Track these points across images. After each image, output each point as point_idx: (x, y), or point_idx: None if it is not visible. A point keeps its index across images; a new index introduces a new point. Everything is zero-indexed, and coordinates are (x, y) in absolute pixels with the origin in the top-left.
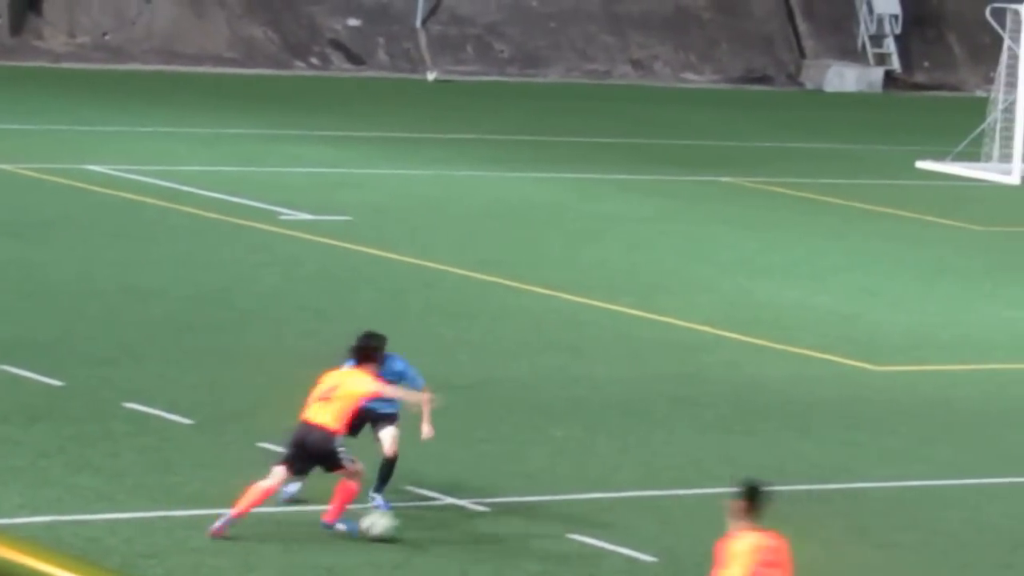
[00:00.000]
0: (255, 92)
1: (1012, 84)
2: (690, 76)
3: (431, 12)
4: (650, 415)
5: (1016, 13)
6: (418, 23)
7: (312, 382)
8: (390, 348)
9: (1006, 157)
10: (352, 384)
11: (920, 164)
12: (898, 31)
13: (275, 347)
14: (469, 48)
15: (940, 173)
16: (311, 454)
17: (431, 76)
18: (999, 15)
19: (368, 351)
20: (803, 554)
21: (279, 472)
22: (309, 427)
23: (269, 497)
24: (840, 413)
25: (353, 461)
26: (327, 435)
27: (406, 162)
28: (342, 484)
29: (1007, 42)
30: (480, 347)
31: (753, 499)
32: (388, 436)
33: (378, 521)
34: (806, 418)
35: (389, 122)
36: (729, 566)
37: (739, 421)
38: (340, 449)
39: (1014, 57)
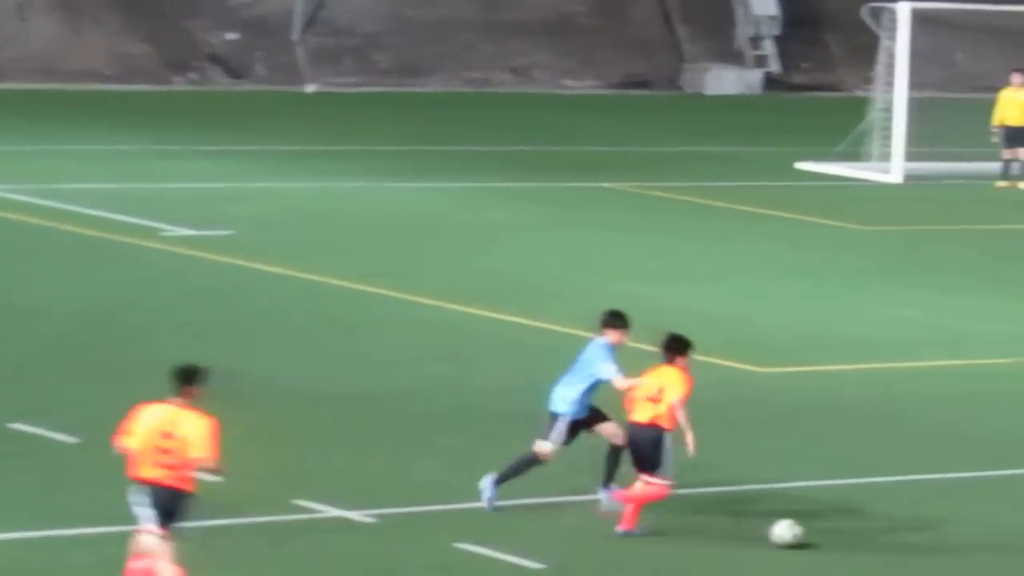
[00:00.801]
0: (134, 108)
1: (891, 83)
2: (570, 82)
3: (309, 24)
4: (537, 423)
5: (892, 12)
6: (296, 35)
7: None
8: None
9: (886, 156)
10: (671, 391)
11: (800, 165)
12: (776, 33)
13: (160, 364)
14: (348, 59)
15: (821, 174)
16: (641, 452)
17: (310, 88)
18: (876, 14)
19: (673, 350)
20: (691, 555)
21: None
22: (638, 427)
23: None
24: (726, 415)
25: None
26: (658, 433)
27: (287, 175)
28: (643, 491)
29: (884, 41)
30: (366, 358)
31: (185, 380)
32: (612, 427)
33: (792, 529)
34: (693, 421)
35: (269, 135)
36: (130, 432)
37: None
38: (667, 450)
39: (892, 56)
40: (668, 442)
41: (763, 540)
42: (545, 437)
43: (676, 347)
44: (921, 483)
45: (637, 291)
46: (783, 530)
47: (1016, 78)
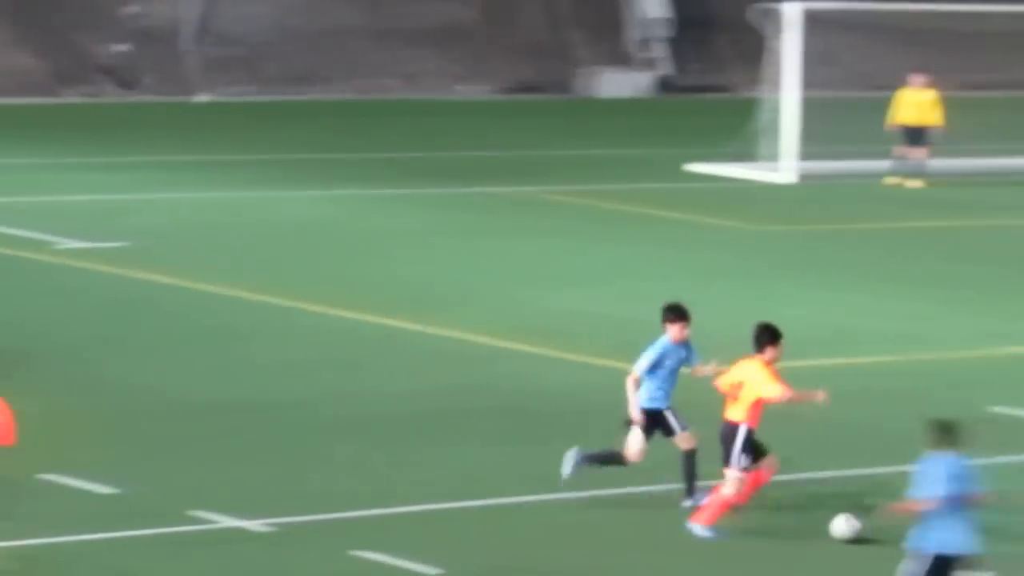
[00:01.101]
0: (25, 121)
1: (780, 83)
2: (461, 88)
3: (198, 35)
4: (432, 429)
5: (777, 12)
6: (185, 46)
7: (95, 413)
8: None
9: (776, 156)
10: (757, 387)
11: (693, 166)
12: (668, 35)
13: (56, 378)
14: (238, 69)
15: (714, 175)
16: (724, 447)
17: (200, 98)
18: (764, 15)
19: (759, 340)
20: (579, 558)
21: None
22: (724, 423)
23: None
24: (620, 419)
25: (746, 468)
26: (732, 428)
27: (180, 185)
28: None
29: (770, 42)
30: (259, 367)
31: None
32: (636, 439)
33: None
34: (586, 426)
35: (161, 146)
36: None
37: (521, 431)
38: (742, 441)
39: (779, 56)
40: (740, 436)
41: (656, 541)
42: (679, 429)
43: (763, 337)
44: (808, 481)
45: (529, 295)
46: (841, 525)
47: (917, 78)
